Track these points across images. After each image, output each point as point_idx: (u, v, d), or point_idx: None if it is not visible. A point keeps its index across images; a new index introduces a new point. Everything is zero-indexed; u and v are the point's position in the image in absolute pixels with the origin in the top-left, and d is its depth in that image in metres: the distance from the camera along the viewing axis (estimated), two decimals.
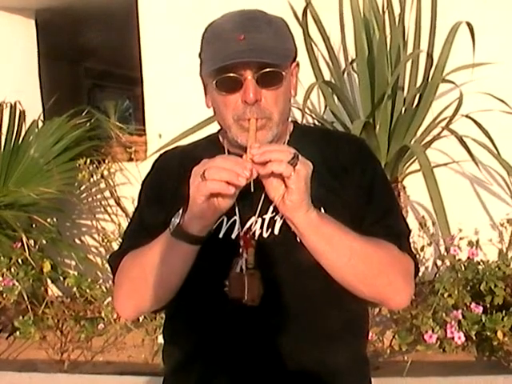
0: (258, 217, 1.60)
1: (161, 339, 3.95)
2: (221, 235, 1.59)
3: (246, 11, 1.60)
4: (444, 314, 3.95)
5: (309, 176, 1.44)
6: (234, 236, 1.59)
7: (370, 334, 3.82)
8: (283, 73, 1.57)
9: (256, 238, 1.58)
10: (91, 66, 10.13)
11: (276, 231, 1.59)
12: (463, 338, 3.84)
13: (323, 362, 1.60)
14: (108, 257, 1.80)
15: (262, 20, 1.56)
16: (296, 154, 1.41)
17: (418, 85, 4.56)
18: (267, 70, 1.52)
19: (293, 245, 1.53)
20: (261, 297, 1.53)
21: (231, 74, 1.52)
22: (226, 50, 1.51)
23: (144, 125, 5.90)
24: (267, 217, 1.59)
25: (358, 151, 1.75)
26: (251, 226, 1.59)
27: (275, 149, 1.44)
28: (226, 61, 1.51)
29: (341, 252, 1.52)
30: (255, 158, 1.40)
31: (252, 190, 1.47)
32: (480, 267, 4.14)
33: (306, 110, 4.43)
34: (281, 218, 1.57)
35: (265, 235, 1.59)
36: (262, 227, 1.59)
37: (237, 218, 1.59)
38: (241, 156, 1.43)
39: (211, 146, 1.76)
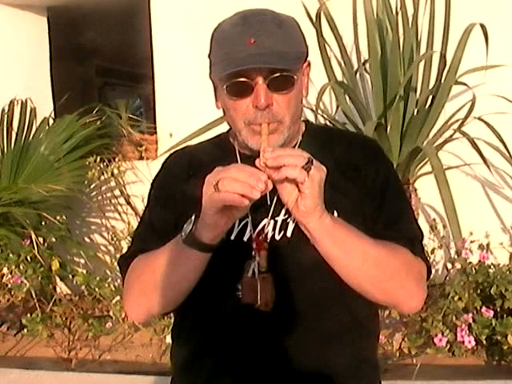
0: (271, 219, 1.58)
1: (169, 339, 3.94)
2: (232, 237, 1.58)
3: (255, 12, 1.57)
4: (454, 318, 3.93)
5: (323, 181, 1.42)
6: (245, 238, 1.58)
7: (380, 337, 3.80)
8: (294, 76, 1.54)
9: (268, 240, 1.57)
10: (102, 64, 10.12)
11: (289, 234, 1.58)
12: (473, 342, 3.82)
13: (327, 363, 1.60)
14: (118, 258, 1.79)
15: (273, 21, 1.54)
16: (310, 158, 1.39)
17: (431, 86, 4.53)
18: (278, 74, 1.50)
19: (305, 248, 1.51)
20: (274, 301, 1.52)
21: (242, 79, 1.51)
22: (236, 54, 1.50)
23: (155, 123, 5.90)
24: (279, 219, 1.58)
25: (371, 153, 1.73)
26: (263, 228, 1.58)
27: (289, 153, 1.42)
28: (236, 66, 1.49)
29: (354, 257, 1.50)
30: (269, 162, 1.37)
31: (267, 194, 1.45)
32: (491, 271, 4.11)
33: (318, 110, 4.42)
34: (293, 221, 1.56)
35: (277, 237, 1.58)
36: (274, 229, 1.58)
37: (249, 219, 1.58)
38: (253, 159, 1.41)
39: (221, 147, 1.75)
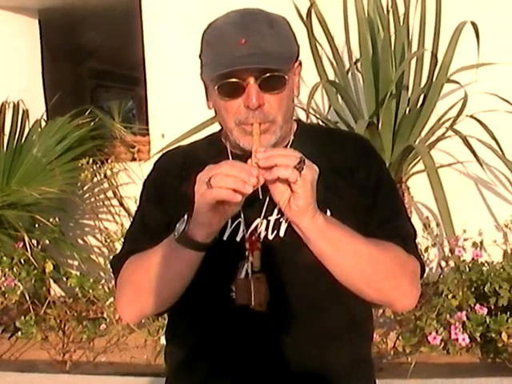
0: (263, 218, 1.58)
1: (163, 340, 3.94)
2: (225, 237, 1.57)
3: (247, 11, 1.57)
4: (448, 316, 3.94)
5: (315, 180, 1.41)
6: (238, 238, 1.57)
7: (374, 336, 3.80)
8: (286, 76, 1.54)
9: (261, 240, 1.56)
10: (94, 66, 10.10)
11: (281, 233, 1.57)
12: (467, 340, 3.83)
13: (324, 363, 1.59)
14: (110, 259, 1.78)
15: (264, 21, 1.53)
16: (302, 158, 1.38)
17: (423, 85, 4.54)
18: (269, 74, 1.50)
19: (298, 247, 1.51)
20: (268, 301, 1.52)
21: (233, 80, 1.50)
22: (227, 54, 1.49)
23: (147, 125, 5.89)
24: (272, 218, 1.58)
25: (364, 151, 1.73)
26: (256, 227, 1.57)
27: (281, 153, 1.41)
28: (227, 67, 1.48)
29: (347, 256, 1.50)
30: (261, 162, 1.37)
31: (260, 193, 1.45)
32: (484, 268, 4.12)
33: (310, 109, 4.42)
34: (286, 221, 1.55)
35: (270, 237, 1.57)
36: (267, 229, 1.57)
37: (241, 219, 1.57)
38: (245, 159, 1.41)
39: (213, 147, 1.74)
